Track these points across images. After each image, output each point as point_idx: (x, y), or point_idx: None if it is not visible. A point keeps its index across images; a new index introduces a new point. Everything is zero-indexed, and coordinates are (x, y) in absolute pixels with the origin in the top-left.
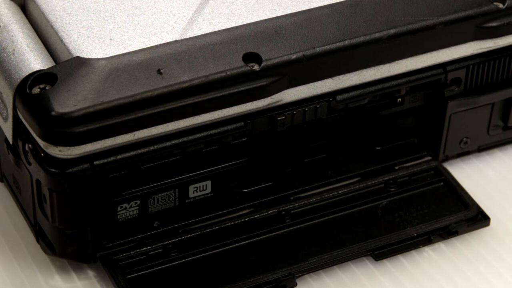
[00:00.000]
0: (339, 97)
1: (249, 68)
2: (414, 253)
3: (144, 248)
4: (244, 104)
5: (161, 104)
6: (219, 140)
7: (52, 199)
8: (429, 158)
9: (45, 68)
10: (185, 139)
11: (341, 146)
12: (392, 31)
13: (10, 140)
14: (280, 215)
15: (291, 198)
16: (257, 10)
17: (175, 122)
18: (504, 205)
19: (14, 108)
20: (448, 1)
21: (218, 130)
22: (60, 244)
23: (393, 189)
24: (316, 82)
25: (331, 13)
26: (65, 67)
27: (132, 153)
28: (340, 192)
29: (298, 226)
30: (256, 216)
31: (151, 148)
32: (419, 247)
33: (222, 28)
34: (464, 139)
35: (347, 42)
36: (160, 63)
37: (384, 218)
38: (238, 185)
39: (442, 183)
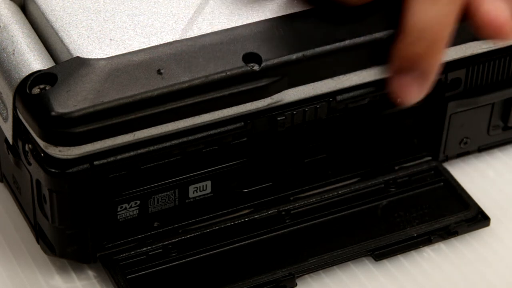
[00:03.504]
0: (339, 97)
1: (249, 68)
2: (414, 253)
3: (144, 248)
4: (244, 104)
5: (161, 104)
6: (219, 140)
7: (52, 199)
8: (429, 158)
9: (45, 68)
10: (185, 139)
11: (341, 146)
12: (392, 30)
13: (10, 140)
14: (280, 215)
15: (291, 198)
16: (257, 10)
17: (175, 122)
18: (504, 205)
19: (14, 108)
20: None
21: (218, 130)
22: (60, 244)
23: (393, 189)
24: (316, 82)
25: (331, 13)
26: (65, 67)
27: (132, 153)
28: (340, 192)
29: (298, 226)
30: (256, 216)
31: (151, 148)
32: (419, 247)
33: (222, 28)
34: (464, 139)
35: (347, 42)
36: (160, 63)
37: (384, 218)
38: (238, 185)
39: (442, 183)
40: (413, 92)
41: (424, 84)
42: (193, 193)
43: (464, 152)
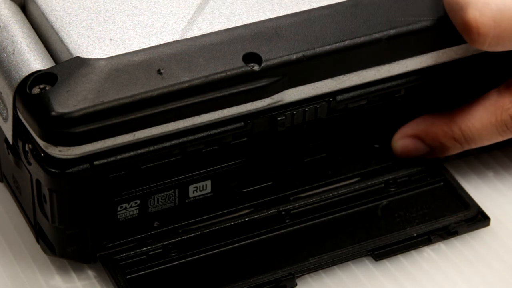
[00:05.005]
0: (339, 97)
1: (249, 68)
2: (414, 253)
3: (144, 248)
4: (244, 104)
5: (161, 104)
6: (219, 140)
7: (52, 199)
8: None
9: (45, 68)
10: (185, 139)
11: (341, 146)
12: (392, 31)
13: (10, 140)
14: (280, 215)
15: (291, 198)
16: (257, 10)
17: (175, 122)
18: (504, 205)
19: (14, 108)
20: None
21: (218, 130)
22: (60, 244)
23: (393, 189)
24: (316, 82)
25: (331, 13)
26: (65, 67)
27: (132, 153)
28: (340, 192)
29: (298, 226)
30: (256, 216)
31: (151, 148)
32: (419, 247)
33: (222, 28)
34: None
35: (347, 42)
36: (160, 63)
37: (384, 218)
38: (238, 185)
39: (442, 183)
40: (412, 154)
41: (427, 156)
42: (193, 193)
43: (464, 152)
